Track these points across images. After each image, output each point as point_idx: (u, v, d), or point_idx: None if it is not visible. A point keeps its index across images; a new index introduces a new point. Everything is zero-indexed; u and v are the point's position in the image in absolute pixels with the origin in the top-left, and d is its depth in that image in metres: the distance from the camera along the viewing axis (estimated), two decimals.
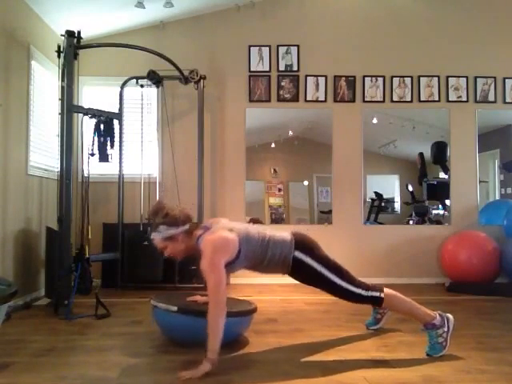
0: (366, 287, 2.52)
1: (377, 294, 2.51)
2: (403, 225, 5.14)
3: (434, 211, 5.17)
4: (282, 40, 5.01)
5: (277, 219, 5.04)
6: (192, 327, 2.47)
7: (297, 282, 2.65)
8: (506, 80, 5.05)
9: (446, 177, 5.09)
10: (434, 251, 4.92)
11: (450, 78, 5.05)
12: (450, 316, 2.49)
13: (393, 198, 5.20)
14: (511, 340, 2.73)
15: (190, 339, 2.52)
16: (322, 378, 2.10)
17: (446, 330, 2.43)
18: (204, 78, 4.53)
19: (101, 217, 4.66)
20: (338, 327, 3.01)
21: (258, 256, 2.44)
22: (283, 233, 2.55)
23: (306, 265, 2.48)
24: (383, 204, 5.13)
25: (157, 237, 2.40)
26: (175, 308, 2.50)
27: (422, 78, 5.04)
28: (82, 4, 4.13)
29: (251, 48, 4.99)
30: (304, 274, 2.54)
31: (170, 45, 4.82)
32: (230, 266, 2.35)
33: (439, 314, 2.47)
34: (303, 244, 2.53)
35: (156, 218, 2.40)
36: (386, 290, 2.54)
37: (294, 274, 2.55)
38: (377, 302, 2.55)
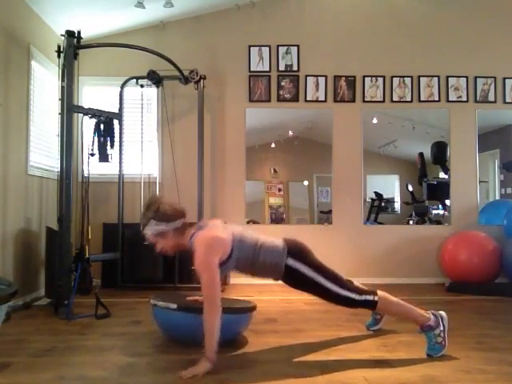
0: (360, 291, 2.50)
1: (370, 297, 2.49)
2: (403, 225, 5.14)
3: (434, 211, 5.17)
4: (282, 40, 5.01)
5: (277, 219, 5.04)
6: (192, 325, 2.46)
7: None
8: (506, 80, 5.05)
9: (446, 177, 5.09)
10: (434, 251, 4.91)
11: (450, 78, 5.05)
12: (443, 313, 2.49)
13: (393, 198, 5.20)
14: (511, 340, 2.73)
15: (190, 337, 2.51)
16: (321, 378, 2.10)
17: (442, 328, 2.43)
18: (204, 78, 4.53)
19: (101, 217, 4.66)
20: (338, 327, 3.02)
21: (249, 260, 2.44)
22: (276, 240, 2.53)
23: (298, 272, 2.46)
24: (383, 204, 5.13)
25: (147, 231, 2.41)
26: (175, 306, 2.49)
27: (422, 78, 5.04)
28: (82, 4, 4.13)
29: (251, 48, 4.99)
30: (297, 281, 2.52)
31: (170, 45, 4.82)
32: (223, 267, 2.34)
33: (432, 314, 2.47)
34: (296, 251, 2.51)
35: (147, 211, 2.40)
36: (379, 292, 2.52)
37: (286, 279, 2.53)
38: (371, 306, 2.53)
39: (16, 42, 3.73)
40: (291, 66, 5.00)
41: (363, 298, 2.49)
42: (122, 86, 4.56)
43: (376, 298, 2.49)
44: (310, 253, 2.55)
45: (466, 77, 5.05)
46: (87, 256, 3.58)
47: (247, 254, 2.43)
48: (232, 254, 2.38)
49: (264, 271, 2.50)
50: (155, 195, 2.54)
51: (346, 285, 2.50)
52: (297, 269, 2.46)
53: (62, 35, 3.61)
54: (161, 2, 4.34)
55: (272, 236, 2.58)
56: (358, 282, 2.65)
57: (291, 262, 2.46)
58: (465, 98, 5.05)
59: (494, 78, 5.05)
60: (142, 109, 4.70)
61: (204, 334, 2.18)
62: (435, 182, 5.17)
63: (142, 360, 2.35)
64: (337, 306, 2.57)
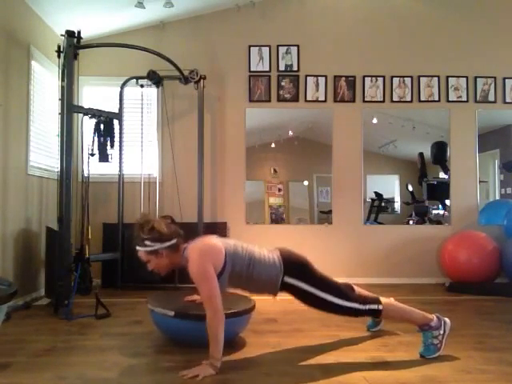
0: (363, 301, 2.49)
1: (374, 306, 2.49)
2: (403, 225, 5.13)
3: (434, 211, 5.17)
4: (282, 40, 5.00)
5: (277, 219, 5.03)
6: (191, 331, 2.46)
7: None
8: (506, 80, 5.05)
9: (446, 177, 5.09)
10: (434, 251, 4.91)
11: (450, 78, 5.04)
12: (448, 320, 2.48)
13: (393, 198, 5.20)
14: (511, 340, 2.74)
15: (190, 342, 2.52)
16: (321, 378, 2.10)
17: (441, 332, 2.42)
18: (204, 78, 4.53)
19: (101, 217, 4.66)
20: (338, 327, 3.01)
21: (244, 274, 2.37)
22: (271, 254, 2.47)
23: (297, 288, 2.43)
24: (383, 204, 5.13)
25: (141, 250, 2.39)
26: (172, 313, 2.47)
27: (421, 78, 5.04)
28: (82, 4, 4.13)
29: (251, 48, 4.99)
30: (296, 296, 2.50)
31: (170, 45, 4.82)
32: (218, 280, 2.27)
33: (437, 317, 2.46)
34: (293, 267, 2.44)
35: (141, 231, 2.37)
36: (382, 300, 2.52)
37: (285, 292, 2.50)
38: (375, 314, 2.56)
39: (16, 42, 3.73)
40: (291, 65, 5.00)
41: (367, 307, 2.47)
42: (122, 86, 4.56)
43: (380, 307, 2.49)
44: (309, 266, 2.48)
45: (466, 77, 5.05)
46: (87, 256, 3.58)
47: (241, 267, 2.35)
48: (226, 266, 2.31)
49: (259, 287, 2.44)
50: (146, 214, 2.51)
51: (349, 296, 2.47)
52: (295, 285, 2.42)
53: (61, 35, 3.61)
54: (161, 2, 4.35)
55: (266, 249, 2.50)
56: (357, 282, 2.65)
57: (288, 279, 2.40)
58: (465, 98, 5.05)
59: (494, 78, 5.05)
60: (141, 109, 4.70)
61: (209, 343, 2.15)
62: (435, 182, 5.16)
63: (142, 360, 2.36)
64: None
